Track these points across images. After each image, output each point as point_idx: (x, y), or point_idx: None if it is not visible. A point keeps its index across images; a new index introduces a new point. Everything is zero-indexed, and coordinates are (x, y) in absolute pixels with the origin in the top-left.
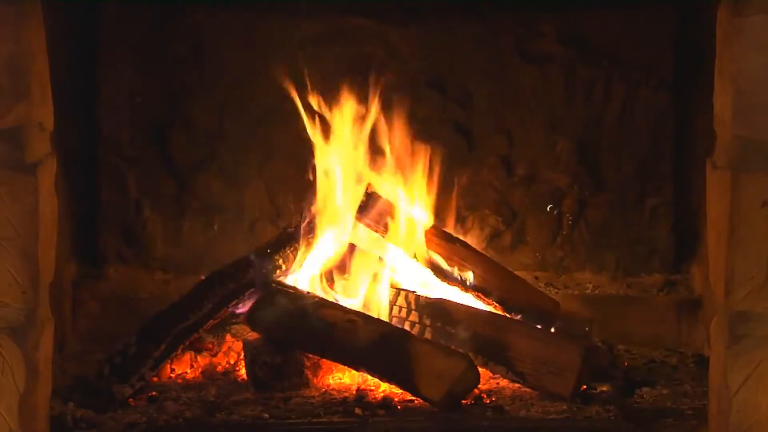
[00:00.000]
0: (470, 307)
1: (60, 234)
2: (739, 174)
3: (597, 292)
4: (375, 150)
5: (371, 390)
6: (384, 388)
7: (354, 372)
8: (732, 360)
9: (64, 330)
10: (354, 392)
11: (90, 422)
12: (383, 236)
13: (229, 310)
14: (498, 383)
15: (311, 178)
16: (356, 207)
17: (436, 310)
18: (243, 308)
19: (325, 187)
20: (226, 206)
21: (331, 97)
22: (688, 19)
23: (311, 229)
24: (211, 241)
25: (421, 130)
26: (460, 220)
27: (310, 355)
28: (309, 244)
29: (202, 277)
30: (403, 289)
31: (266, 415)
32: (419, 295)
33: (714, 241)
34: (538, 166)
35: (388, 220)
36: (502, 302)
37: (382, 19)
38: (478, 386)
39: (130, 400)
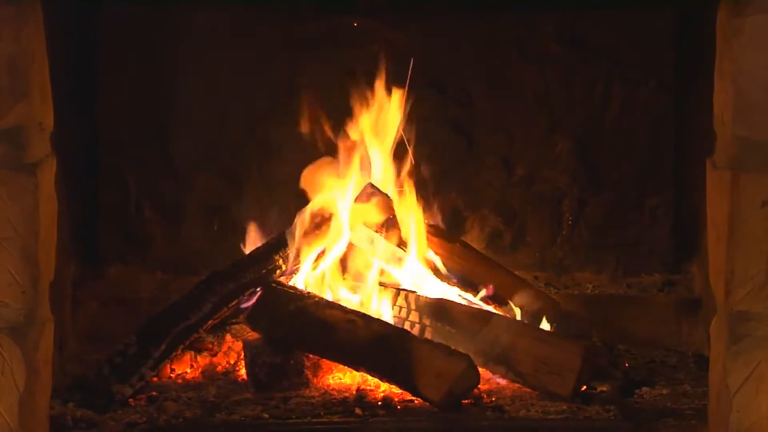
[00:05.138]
0: (470, 307)
1: (60, 234)
2: (739, 174)
3: (597, 292)
4: (376, 150)
5: (371, 390)
6: (384, 388)
7: (354, 372)
8: (732, 360)
9: (64, 330)
10: (354, 392)
11: (90, 422)
12: (383, 236)
13: (230, 310)
14: (498, 383)
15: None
16: (356, 207)
17: (436, 310)
18: (248, 303)
19: (325, 187)
20: (226, 206)
21: (330, 97)
22: (688, 19)
23: (311, 230)
24: (211, 241)
25: (421, 130)
26: (460, 220)
27: (310, 355)
28: (309, 244)
29: (203, 277)
30: (403, 289)
31: (266, 415)
32: (419, 295)
33: (714, 241)
34: (538, 166)
35: (388, 219)
36: (501, 302)
37: (382, 19)
38: (478, 386)
39: (130, 400)
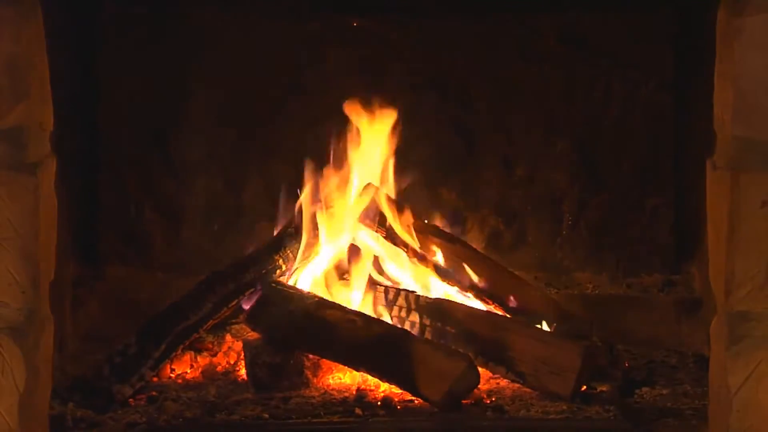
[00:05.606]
0: (470, 307)
1: (60, 234)
2: (739, 174)
3: (597, 292)
4: (375, 150)
5: (371, 390)
6: (384, 388)
7: (354, 372)
8: (732, 360)
9: (64, 330)
10: (354, 392)
11: (90, 422)
12: (383, 236)
13: (230, 310)
14: (498, 383)
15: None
16: (356, 207)
17: (436, 310)
18: (248, 303)
19: (325, 187)
20: (226, 206)
21: (331, 97)
22: (688, 19)
23: (311, 229)
24: (211, 241)
25: (421, 130)
26: (460, 220)
27: (310, 355)
28: (309, 244)
29: (202, 277)
30: (403, 289)
31: (266, 415)
32: (419, 295)
33: (714, 241)
34: (538, 166)
35: (389, 220)
36: (502, 302)
37: (382, 19)
38: (478, 386)
39: (130, 400)
